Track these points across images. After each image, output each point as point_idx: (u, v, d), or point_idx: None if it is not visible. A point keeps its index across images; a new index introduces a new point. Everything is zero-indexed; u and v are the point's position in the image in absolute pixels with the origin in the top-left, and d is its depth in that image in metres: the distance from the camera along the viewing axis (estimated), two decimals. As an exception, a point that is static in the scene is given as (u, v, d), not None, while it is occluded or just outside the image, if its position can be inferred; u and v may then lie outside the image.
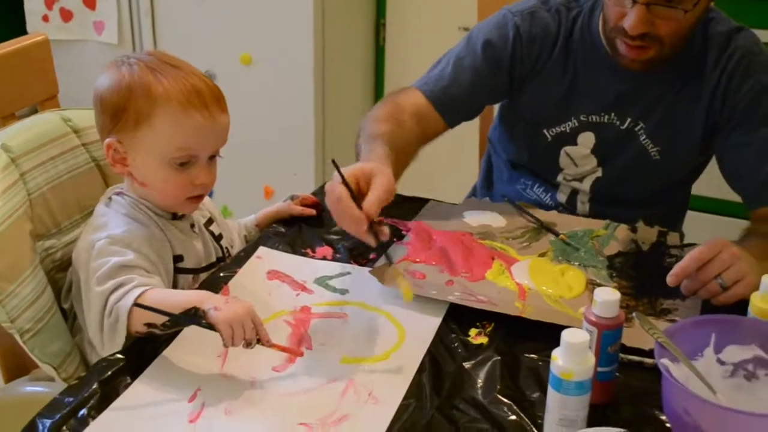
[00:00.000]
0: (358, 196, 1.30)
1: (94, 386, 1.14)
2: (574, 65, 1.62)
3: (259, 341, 1.16)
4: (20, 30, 2.92)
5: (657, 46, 1.49)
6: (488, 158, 1.90)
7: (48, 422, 1.08)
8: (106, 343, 1.23)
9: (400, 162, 1.51)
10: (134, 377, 1.17)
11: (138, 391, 1.15)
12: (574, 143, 1.67)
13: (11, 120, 1.57)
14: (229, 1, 2.77)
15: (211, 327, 1.15)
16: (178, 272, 1.38)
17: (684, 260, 1.32)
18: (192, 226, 1.42)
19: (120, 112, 1.30)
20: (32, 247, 1.38)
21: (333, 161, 1.32)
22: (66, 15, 2.98)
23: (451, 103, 1.66)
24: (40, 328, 1.34)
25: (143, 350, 1.22)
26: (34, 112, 1.56)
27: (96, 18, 2.94)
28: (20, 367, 1.52)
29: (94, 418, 1.09)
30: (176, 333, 1.24)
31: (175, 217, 1.39)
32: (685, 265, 1.31)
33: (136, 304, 1.18)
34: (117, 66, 1.32)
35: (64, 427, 1.07)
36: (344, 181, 1.30)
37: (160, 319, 1.17)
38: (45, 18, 3.00)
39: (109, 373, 1.17)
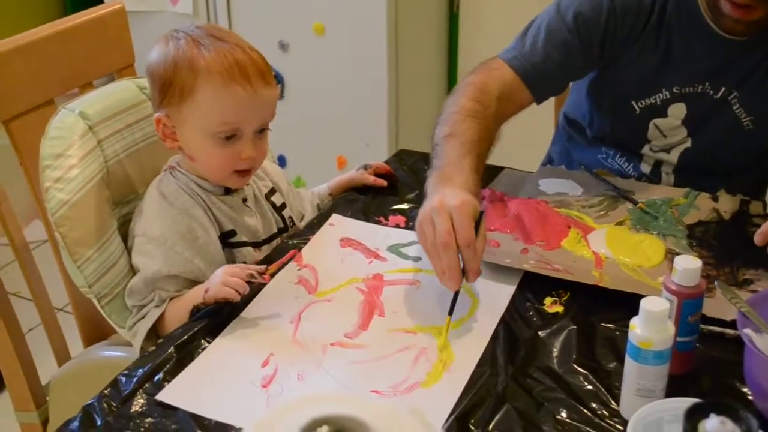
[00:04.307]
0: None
1: (170, 350, 1.16)
2: (668, 36, 1.56)
3: (254, 276, 1.23)
4: (98, 1, 2.96)
5: (764, 6, 1.43)
6: (560, 134, 1.85)
7: (125, 386, 1.10)
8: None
9: (481, 168, 1.43)
10: (209, 342, 1.18)
11: (212, 356, 1.16)
12: (665, 115, 1.61)
13: (89, 89, 1.59)
14: (303, -30, 2.76)
15: (218, 304, 1.22)
16: (234, 247, 1.38)
17: None
18: (245, 200, 1.41)
19: (166, 86, 1.30)
20: (110, 213, 1.40)
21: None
22: (142, -14, 3.01)
23: (543, 79, 1.60)
24: (118, 293, 1.37)
25: (219, 315, 1.23)
26: (112, 81, 1.57)
27: (171, -11, 2.97)
28: (99, 332, 1.56)
29: (169, 381, 1.10)
30: (250, 299, 1.25)
31: (227, 192, 1.39)
32: None
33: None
34: (166, 40, 1.33)
35: (140, 391, 1.09)
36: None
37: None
38: (122, -11, 3.04)
39: (185, 337, 1.18)
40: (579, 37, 1.57)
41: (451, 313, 1.21)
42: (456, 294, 1.21)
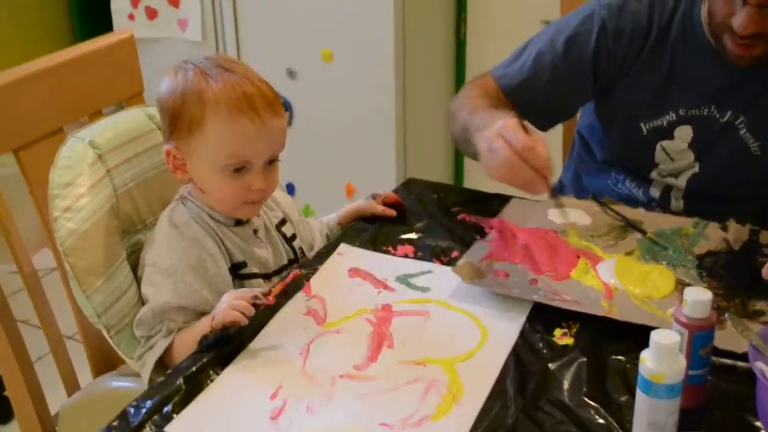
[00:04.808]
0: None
1: (179, 382, 1.15)
2: (671, 56, 1.57)
3: (259, 298, 1.22)
4: (108, 30, 2.99)
5: (765, 44, 1.44)
6: (575, 149, 1.85)
7: (134, 418, 1.09)
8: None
9: None
10: (218, 373, 1.18)
11: (220, 388, 1.15)
12: (671, 137, 1.62)
13: (98, 117, 1.60)
14: (310, -3, 2.78)
15: (226, 330, 1.21)
16: (244, 278, 1.38)
17: None
18: (255, 231, 1.41)
19: (175, 118, 1.30)
20: (119, 242, 1.40)
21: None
22: (151, 13, 3.03)
23: (527, 100, 1.63)
24: (126, 324, 1.37)
25: (227, 344, 1.23)
26: (121, 109, 1.58)
27: (180, 16, 2.99)
28: (108, 361, 1.55)
29: (177, 413, 1.10)
30: (258, 329, 1.25)
31: (238, 223, 1.39)
32: None
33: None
34: (174, 71, 1.33)
35: (149, 423, 1.08)
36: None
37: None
38: (131, 17, 3.06)
39: (194, 368, 1.18)
40: (568, 62, 1.59)
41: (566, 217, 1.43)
42: (552, 193, 1.38)
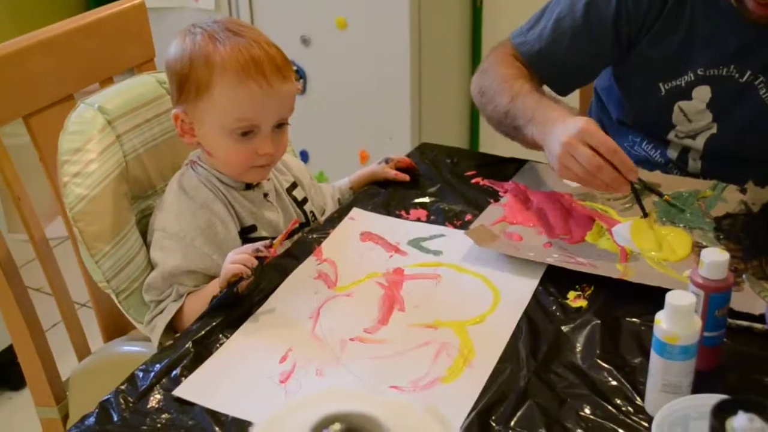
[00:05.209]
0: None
1: (187, 345, 1.15)
2: (691, 16, 1.54)
3: (260, 251, 1.21)
4: (121, -1, 2.97)
5: None
6: (592, 112, 1.83)
7: (142, 382, 1.09)
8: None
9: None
10: (227, 337, 1.17)
11: (230, 351, 1.14)
12: (689, 98, 1.59)
13: (109, 84, 1.59)
14: (324, -36, 2.75)
15: (232, 287, 1.20)
16: (254, 242, 1.36)
17: None
18: (266, 195, 1.40)
19: (183, 82, 1.30)
20: (128, 208, 1.40)
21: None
22: (164, -18, 3.00)
23: (550, 66, 1.61)
24: (136, 288, 1.36)
25: (236, 310, 1.22)
26: (132, 76, 1.57)
27: (193, -16, 2.96)
28: (119, 327, 1.55)
29: (186, 377, 1.09)
30: (268, 295, 1.25)
31: (248, 186, 1.38)
32: None
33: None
34: (183, 35, 1.32)
35: (158, 386, 1.08)
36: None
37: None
38: (144, -14, 3.04)
39: (203, 332, 1.17)
40: (588, 25, 1.57)
41: (644, 212, 1.40)
42: (634, 191, 1.39)
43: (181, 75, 1.30)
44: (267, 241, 1.24)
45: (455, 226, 1.42)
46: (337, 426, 0.54)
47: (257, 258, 1.21)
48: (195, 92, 1.28)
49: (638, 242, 1.35)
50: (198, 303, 1.27)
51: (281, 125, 1.33)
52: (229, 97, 1.27)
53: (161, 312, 1.32)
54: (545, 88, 1.63)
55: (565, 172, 1.35)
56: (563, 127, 1.36)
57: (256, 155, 1.31)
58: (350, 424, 0.54)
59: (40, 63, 1.49)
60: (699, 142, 1.62)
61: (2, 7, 3.20)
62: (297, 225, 1.35)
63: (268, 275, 1.29)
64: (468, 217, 1.44)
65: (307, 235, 1.41)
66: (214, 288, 1.25)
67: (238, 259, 1.21)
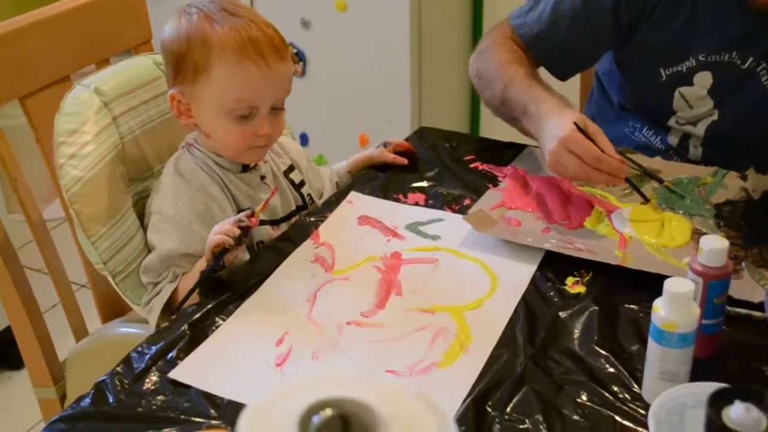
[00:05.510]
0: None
1: (183, 328, 1.14)
2: (692, 1, 1.52)
3: (242, 221, 1.22)
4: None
5: None
6: (594, 96, 1.81)
7: (138, 363, 1.09)
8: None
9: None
10: (223, 320, 1.16)
11: (226, 334, 1.14)
12: (690, 84, 1.58)
13: (105, 65, 1.58)
14: (325, -55, 2.73)
15: (218, 260, 1.21)
16: None
17: None
18: (263, 177, 1.39)
19: (180, 62, 1.28)
20: (124, 190, 1.39)
21: (576, 125, 1.34)
22: (164, -36, 2.98)
23: (549, 52, 1.60)
24: (132, 270, 1.36)
25: (232, 293, 1.21)
26: (129, 57, 1.56)
27: (193, -34, 2.94)
28: (117, 309, 1.55)
29: (182, 359, 1.09)
30: (264, 278, 1.24)
31: (245, 169, 1.37)
32: None
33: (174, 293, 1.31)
34: (179, 15, 1.31)
35: (153, 368, 1.08)
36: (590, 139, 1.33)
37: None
38: (144, -33, 3.02)
39: (199, 315, 1.17)
40: (587, 9, 1.56)
41: (646, 198, 1.41)
42: (629, 182, 1.39)
43: (177, 55, 1.29)
44: (248, 211, 1.24)
45: (453, 211, 1.42)
46: (328, 411, 0.53)
47: (240, 228, 1.21)
48: (192, 73, 1.27)
49: (637, 228, 1.35)
50: (191, 281, 1.27)
51: (278, 107, 1.32)
52: (227, 79, 1.26)
53: (158, 293, 1.31)
54: (542, 71, 1.62)
55: (559, 167, 1.36)
56: (552, 127, 1.37)
57: (254, 136, 1.30)
58: (342, 410, 0.53)
59: (36, 43, 1.48)
60: (700, 129, 1.61)
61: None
62: (276, 190, 1.37)
63: (265, 258, 1.29)
64: (466, 201, 1.44)
65: (305, 219, 1.40)
66: (202, 264, 1.25)
67: (220, 229, 1.21)
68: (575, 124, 1.33)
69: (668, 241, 1.32)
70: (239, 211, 1.34)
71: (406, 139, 1.64)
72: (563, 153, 1.33)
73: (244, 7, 1.32)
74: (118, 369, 1.08)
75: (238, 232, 1.21)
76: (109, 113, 1.38)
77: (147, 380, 1.06)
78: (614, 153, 1.33)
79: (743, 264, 1.15)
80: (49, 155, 1.41)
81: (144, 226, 1.38)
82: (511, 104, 1.51)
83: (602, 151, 1.32)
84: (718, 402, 0.84)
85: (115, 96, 1.40)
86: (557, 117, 1.38)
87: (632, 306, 1.18)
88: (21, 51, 1.45)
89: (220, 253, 1.21)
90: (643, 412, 0.99)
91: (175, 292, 1.30)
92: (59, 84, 1.50)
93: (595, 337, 1.12)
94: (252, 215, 1.23)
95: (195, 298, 1.24)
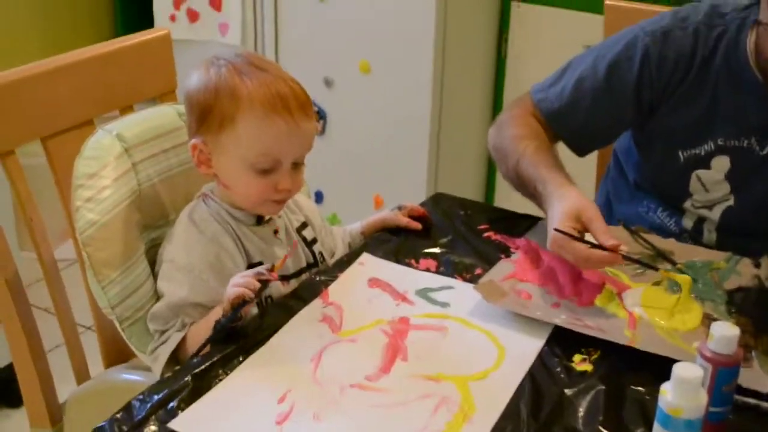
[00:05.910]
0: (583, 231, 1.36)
1: (186, 378, 1.14)
2: (714, 85, 1.54)
3: (263, 274, 1.22)
4: (148, 26, 3.01)
5: None
6: (610, 174, 1.82)
7: (138, 411, 1.08)
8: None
9: (558, 161, 1.55)
10: (227, 373, 1.16)
11: (228, 388, 1.13)
12: (708, 167, 1.58)
13: (129, 112, 1.60)
14: (351, 8, 2.77)
15: (237, 311, 1.20)
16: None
17: None
18: (276, 232, 1.40)
19: (206, 113, 1.29)
20: (138, 236, 1.39)
21: (555, 229, 1.35)
22: (192, 15, 3.04)
23: (569, 128, 1.61)
24: (140, 317, 1.35)
25: (238, 347, 1.21)
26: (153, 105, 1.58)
27: (221, 19, 3.00)
28: (121, 354, 1.54)
29: (183, 410, 1.08)
30: (271, 334, 1.24)
31: (259, 221, 1.38)
32: None
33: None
34: (206, 66, 1.32)
35: (153, 417, 1.07)
36: (576, 238, 1.34)
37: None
38: (172, 18, 3.07)
39: (203, 367, 1.16)
40: (610, 89, 1.57)
41: (655, 268, 1.40)
42: (631, 260, 1.38)
43: (204, 105, 1.30)
44: (268, 265, 1.24)
45: (465, 279, 1.41)
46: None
47: (260, 281, 1.21)
48: (218, 124, 1.28)
49: (648, 309, 1.34)
50: (202, 330, 1.26)
51: (299, 163, 1.33)
52: (254, 132, 1.27)
53: (165, 342, 1.31)
54: (561, 146, 1.64)
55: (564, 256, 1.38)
56: (550, 214, 1.40)
57: (274, 190, 1.31)
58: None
59: (62, 87, 1.50)
60: (716, 213, 1.61)
61: (31, 27, 3.24)
62: (296, 246, 1.40)
63: (274, 314, 1.29)
64: (478, 270, 1.44)
65: (315, 277, 1.40)
66: (216, 314, 1.24)
67: (241, 282, 1.21)
68: (555, 230, 1.35)
69: (678, 324, 1.31)
70: (250, 264, 1.34)
71: (421, 204, 1.64)
72: (558, 250, 1.36)
73: (270, 63, 1.34)
74: (118, 416, 1.07)
75: (258, 285, 1.21)
76: (129, 159, 1.39)
77: (146, 429, 1.05)
78: (608, 240, 1.32)
79: (753, 353, 1.14)
80: (67, 197, 1.42)
81: (154, 274, 1.38)
82: (524, 181, 1.53)
83: (596, 239, 1.33)
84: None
85: (136, 143, 1.41)
86: (556, 203, 1.40)
87: (639, 388, 1.17)
88: (47, 93, 1.48)
89: (239, 305, 1.20)
90: (645, 497, 0.98)
91: (183, 341, 1.29)
92: (82, 127, 1.52)
93: (600, 417, 1.11)
94: (272, 269, 1.23)
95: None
